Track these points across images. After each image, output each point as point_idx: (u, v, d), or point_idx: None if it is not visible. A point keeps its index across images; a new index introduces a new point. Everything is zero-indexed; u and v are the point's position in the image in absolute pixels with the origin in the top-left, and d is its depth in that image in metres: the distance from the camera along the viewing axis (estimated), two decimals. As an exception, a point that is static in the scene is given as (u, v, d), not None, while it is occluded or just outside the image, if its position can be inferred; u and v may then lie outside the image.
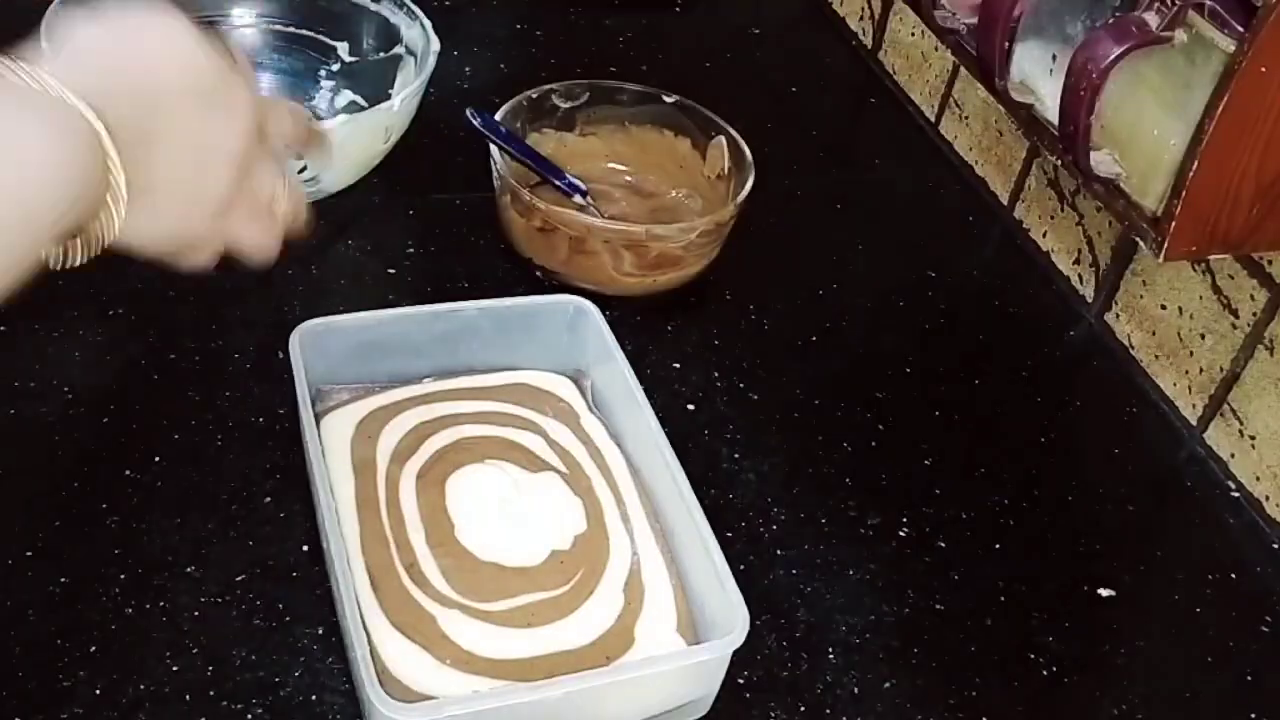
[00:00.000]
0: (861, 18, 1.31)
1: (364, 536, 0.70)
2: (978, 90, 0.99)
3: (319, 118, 1.00)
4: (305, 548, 0.73)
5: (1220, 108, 0.62)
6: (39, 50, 0.51)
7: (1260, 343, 0.86)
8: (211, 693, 0.65)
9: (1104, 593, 0.79)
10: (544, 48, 1.22)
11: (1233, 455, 0.89)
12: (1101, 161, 0.72)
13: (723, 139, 0.99)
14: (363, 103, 1.02)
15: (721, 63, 1.25)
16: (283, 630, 0.69)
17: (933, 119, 1.20)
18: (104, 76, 0.51)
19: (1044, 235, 1.07)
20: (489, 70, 1.17)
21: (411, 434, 0.77)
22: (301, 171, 0.88)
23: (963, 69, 1.10)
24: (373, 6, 1.01)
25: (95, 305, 0.86)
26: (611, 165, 1.04)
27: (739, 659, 0.67)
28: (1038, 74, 0.77)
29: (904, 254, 1.05)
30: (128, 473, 0.76)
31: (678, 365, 0.90)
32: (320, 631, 0.69)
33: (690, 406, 0.87)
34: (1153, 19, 0.66)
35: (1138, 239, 0.71)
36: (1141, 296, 0.96)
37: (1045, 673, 0.74)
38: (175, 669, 0.66)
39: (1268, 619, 0.79)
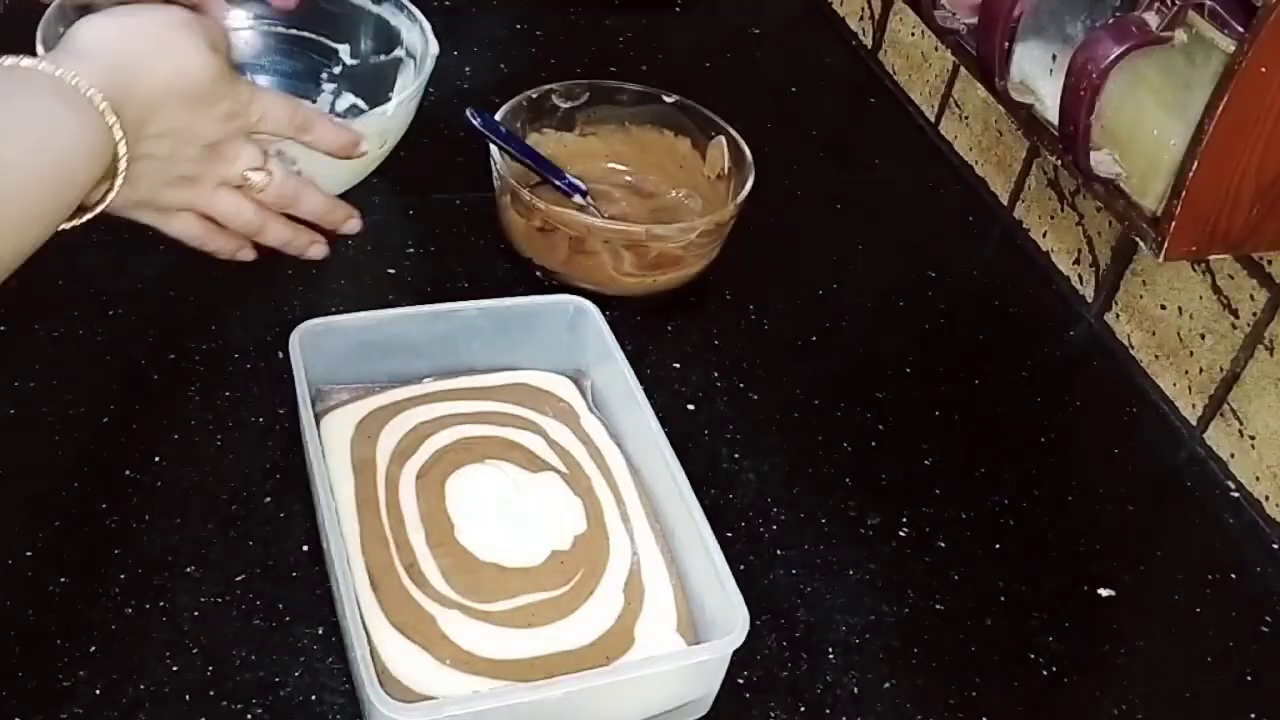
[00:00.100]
0: (861, 18, 1.31)
1: (364, 536, 0.70)
2: (978, 90, 0.99)
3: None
4: (305, 548, 0.73)
5: (1220, 108, 0.62)
6: (65, 50, 0.63)
7: (1260, 343, 0.86)
8: (211, 693, 0.65)
9: (1104, 593, 0.79)
10: (544, 48, 1.22)
11: (1233, 455, 0.89)
12: (1101, 161, 0.72)
13: (723, 139, 0.99)
14: (363, 105, 1.02)
15: (721, 63, 1.25)
16: (283, 630, 0.69)
17: (933, 119, 1.20)
18: (117, 75, 0.62)
19: (1044, 235, 1.07)
20: (489, 70, 1.17)
21: (411, 434, 0.77)
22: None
23: (963, 69, 1.10)
24: (373, 9, 1.01)
25: (95, 305, 0.86)
26: (611, 165, 1.04)
27: (739, 659, 0.67)
28: (1038, 74, 0.77)
29: (904, 254, 1.05)
30: (128, 473, 0.76)
31: (678, 365, 0.90)
32: (320, 631, 0.69)
33: (690, 406, 0.87)
34: (1153, 19, 0.66)
35: (1138, 239, 0.71)
36: (1141, 296, 0.96)
37: (1045, 673, 0.74)
38: (175, 669, 0.66)
39: (1268, 619, 0.79)
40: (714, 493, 0.80)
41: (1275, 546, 0.85)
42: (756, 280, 0.99)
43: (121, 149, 0.63)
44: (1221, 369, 0.89)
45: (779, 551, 0.78)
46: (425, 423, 0.78)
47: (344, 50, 1.03)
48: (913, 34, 1.22)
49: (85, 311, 0.85)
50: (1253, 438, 0.87)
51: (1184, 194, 0.66)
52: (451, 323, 0.81)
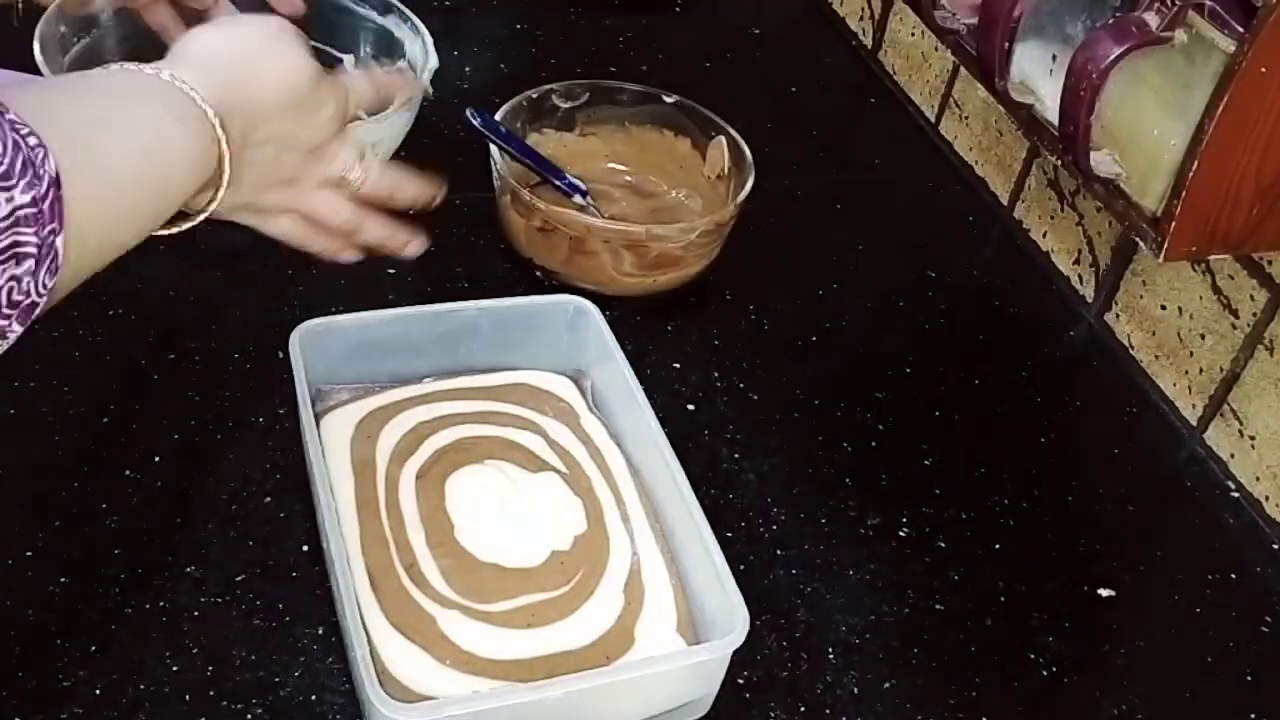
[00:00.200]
0: (861, 18, 1.31)
1: (364, 537, 0.70)
2: (978, 90, 0.99)
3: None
4: (305, 548, 0.73)
5: (1220, 108, 0.62)
6: (176, 60, 0.64)
7: (1260, 343, 0.86)
8: (211, 693, 0.65)
9: (1104, 593, 0.79)
10: (544, 48, 1.22)
11: (1233, 455, 0.89)
12: (1101, 161, 0.72)
13: (723, 139, 0.99)
14: (363, 115, 1.01)
15: (721, 63, 1.25)
16: (283, 630, 0.69)
17: (933, 119, 1.20)
18: (227, 86, 0.63)
19: (1044, 235, 1.07)
20: (489, 70, 1.17)
21: (411, 434, 0.77)
22: None
23: (963, 69, 1.10)
24: (378, 20, 1.01)
25: (95, 305, 0.86)
26: (611, 165, 1.04)
27: (739, 659, 0.67)
28: (1038, 74, 0.77)
29: (904, 254, 1.05)
30: (128, 473, 0.76)
31: (678, 365, 0.90)
32: (320, 631, 0.69)
33: (690, 406, 0.87)
34: (1153, 19, 0.66)
35: (1138, 239, 0.71)
36: (1141, 296, 0.96)
37: (1045, 673, 0.74)
38: (175, 669, 0.66)
39: (1268, 619, 0.79)
40: (714, 493, 0.80)
41: (1275, 546, 0.85)
42: (756, 280, 0.99)
43: (226, 160, 0.63)
44: (1221, 369, 0.89)
45: (779, 551, 0.78)
46: (425, 423, 0.78)
47: (348, 60, 1.03)
48: (913, 34, 1.22)
49: (85, 311, 0.85)
50: (1253, 438, 0.87)
51: (1184, 194, 0.66)
52: (451, 323, 0.81)
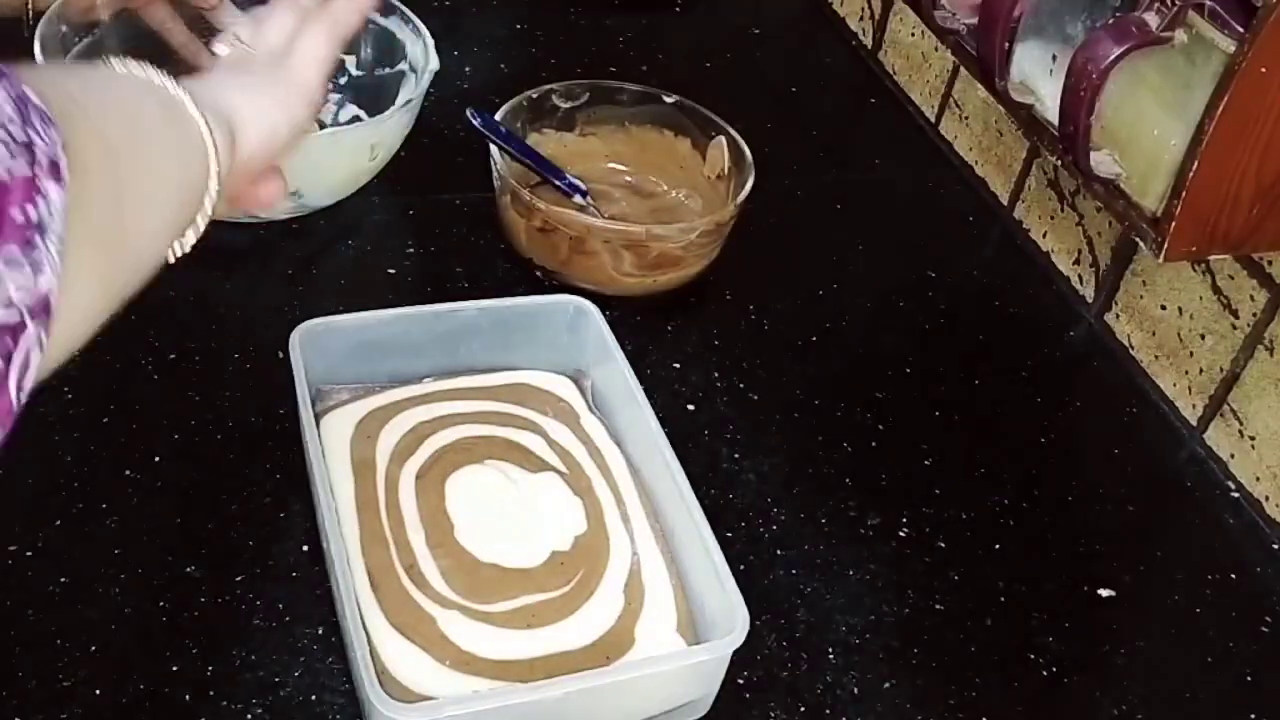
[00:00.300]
0: (861, 18, 1.31)
1: (364, 537, 0.70)
2: (978, 90, 0.99)
3: (321, 126, 0.99)
4: (305, 548, 0.73)
5: (1220, 108, 0.62)
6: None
7: (1260, 343, 0.86)
8: (211, 693, 0.66)
9: (1104, 593, 0.79)
10: (544, 48, 1.22)
11: (1233, 456, 0.89)
12: (1101, 162, 0.72)
13: (723, 139, 0.99)
14: (364, 116, 1.02)
15: (721, 63, 1.25)
16: (283, 630, 0.69)
17: (933, 119, 1.20)
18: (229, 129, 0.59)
19: (1044, 235, 1.07)
20: (489, 70, 1.17)
21: (411, 434, 0.77)
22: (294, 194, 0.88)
23: (963, 69, 1.10)
24: (380, 21, 1.01)
25: (95, 305, 0.85)
26: (611, 165, 1.04)
27: (739, 659, 0.67)
28: (1038, 74, 0.77)
29: (904, 254, 1.05)
30: (128, 473, 0.76)
31: (678, 365, 0.90)
32: (320, 631, 0.69)
33: (690, 406, 0.87)
34: (1153, 19, 0.66)
35: (1138, 239, 0.71)
36: (1141, 297, 0.96)
37: (1045, 673, 0.74)
38: (175, 669, 0.66)
39: (1268, 619, 0.79)
40: (714, 493, 0.80)
41: (1275, 546, 0.85)
42: (756, 280, 0.99)
43: (209, 203, 0.59)
44: (1221, 369, 0.89)
45: (779, 551, 0.78)
46: (425, 423, 0.78)
47: (350, 61, 1.03)
48: (913, 34, 1.22)
49: (85, 311, 0.85)
50: (1253, 438, 0.87)
51: (1184, 194, 0.66)
52: (451, 323, 0.81)
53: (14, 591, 0.68)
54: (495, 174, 0.94)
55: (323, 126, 1.00)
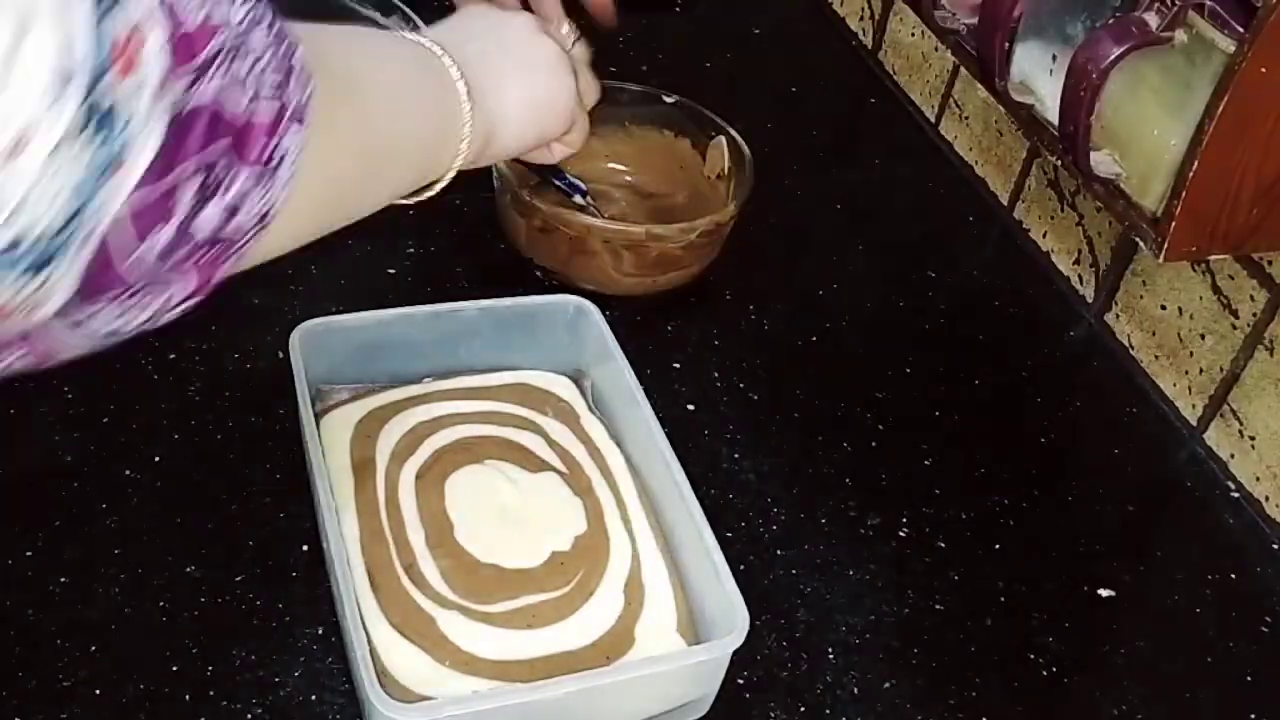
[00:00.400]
0: (861, 18, 1.31)
1: (364, 537, 0.70)
2: (978, 90, 0.99)
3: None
4: (305, 548, 0.73)
5: (1220, 108, 0.62)
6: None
7: (1260, 343, 0.86)
8: (211, 693, 0.65)
9: (1104, 593, 0.79)
10: (544, 48, 1.22)
11: (1233, 456, 0.89)
12: (1101, 162, 0.72)
13: (723, 139, 0.99)
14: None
15: (721, 63, 1.25)
16: (283, 630, 0.69)
17: (933, 119, 1.20)
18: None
19: (1044, 235, 1.07)
20: (489, 70, 1.17)
21: (411, 434, 0.77)
22: None
23: (963, 69, 1.10)
24: (381, 20, 1.01)
25: (95, 305, 0.85)
26: (611, 165, 1.04)
27: (739, 659, 0.67)
28: (1038, 74, 0.77)
29: (904, 254, 1.05)
30: (128, 473, 0.76)
31: (678, 365, 0.90)
32: (320, 631, 0.69)
33: (690, 406, 0.87)
34: (1153, 19, 0.66)
35: (1138, 239, 0.71)
36: (1141, 297, 0.96)
37: (1045, 673, 0.74)
38: (175, 669, 0.66)
39: (1268, 619, 0.79)
40: (714, 493, 0.80)
41: (1275, 546, 0.85)
42: (756, 280, 0.99)
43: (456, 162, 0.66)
44: (1221, 369, 0.89)
45: (779, 551, 0.78)
46: (424, 423, 0.78)
47: None
48: (913, 34, 1.22)
49: (85, 311, 0.85)
50: (1253, 438, 0.87)
51: (1184, 194, 0.66)
52: (451, 323, 0.81)
53: (14, 591, 0.68)
54: (495, 174, 0.94)
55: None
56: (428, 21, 0.98)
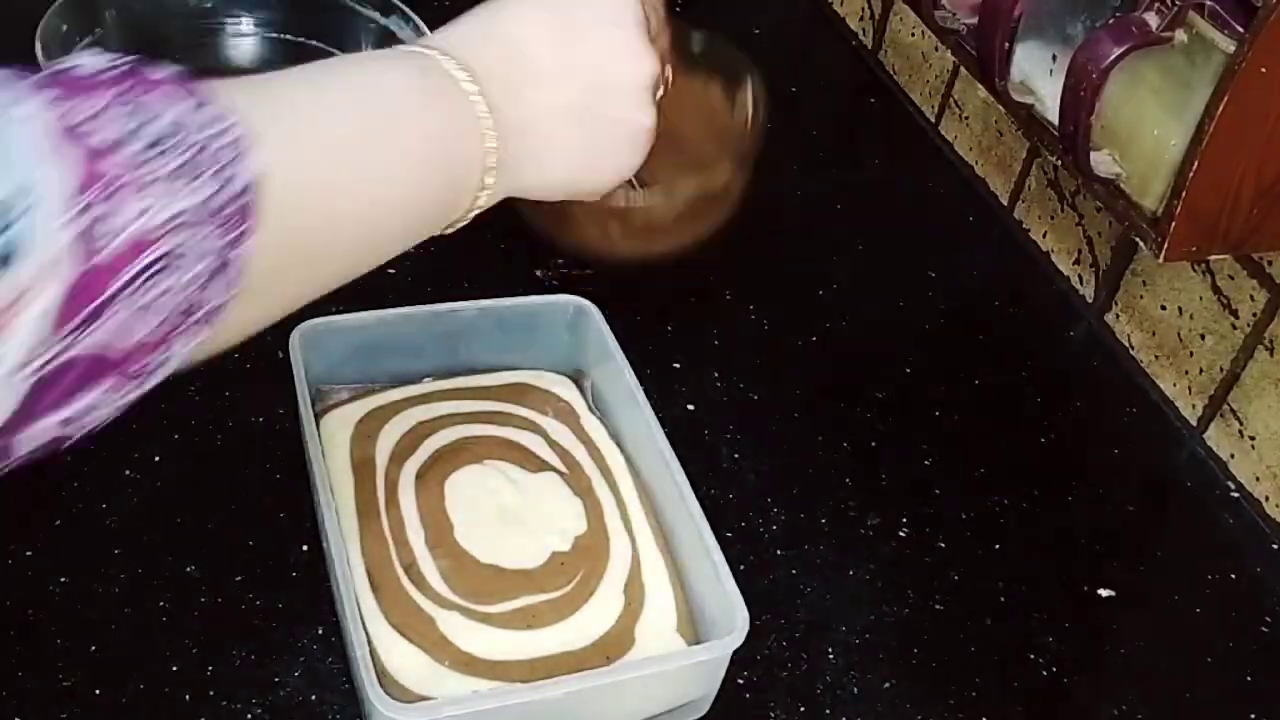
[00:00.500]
0: (861, 18, 1.31)
1: (363, 537, 0.70)
2: (978, 90, 0.99)
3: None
4: (305, 548, 0.73)
5: (1220, 108, 0.62)
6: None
7: (1260, 343, 0.86)
8: (211, 693, 0.65)
9: (1104, 593, 0.79)
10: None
11: (1232, 456, 0.89)
12: (1101, 162, 0.72)
13: (750, 81, 0.84)
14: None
15: (721, 63, 1.25)
16: (283, 630, 0.69)
17: (933, 119, 1.20)
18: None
19: (1044, 235, 1.07)
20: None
21: (411, 434, 0.77)
22: None
23: (963, 69, 1.10)
24: (381, 20, 1.01)
25: (95, 305, 0.85)
26: None
27: (739, 659, 0.67)
28: (1038, 74, 0.77)
29: (904, 254, 1.05)
30: (128, 473, 0.76)
31: (678, 365, 0.90)
32: (320, 631, 0.69)
33: (690, 406, 0.87)
34: (1153, 19, 0.66)
35: (1138, 239, 0.71)
36: (1141, 297, 0.96)
37: (1045, 673, 0.74)
38: (175, 669, 0.66)
39: (1268, 619, 0.79)
40: (714, 493, 0.80)
41: (1275, 546, 0.85)
42: (756, 280, 0.99)
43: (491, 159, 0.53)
44: (1221, 369, 0.89)
45: (779, 551, 0.78)
46: (425, 423, 0.78)
47: None
48: (913, 34, 1.22)
49: (85, 311, 0.85)
50: (1253, 438, 0.87)
51: (1184, 194, 0.66)
52: (451, 323, 0.81)
53: (14, 591, 0.68)
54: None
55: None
56: (426, 20, 0.99)
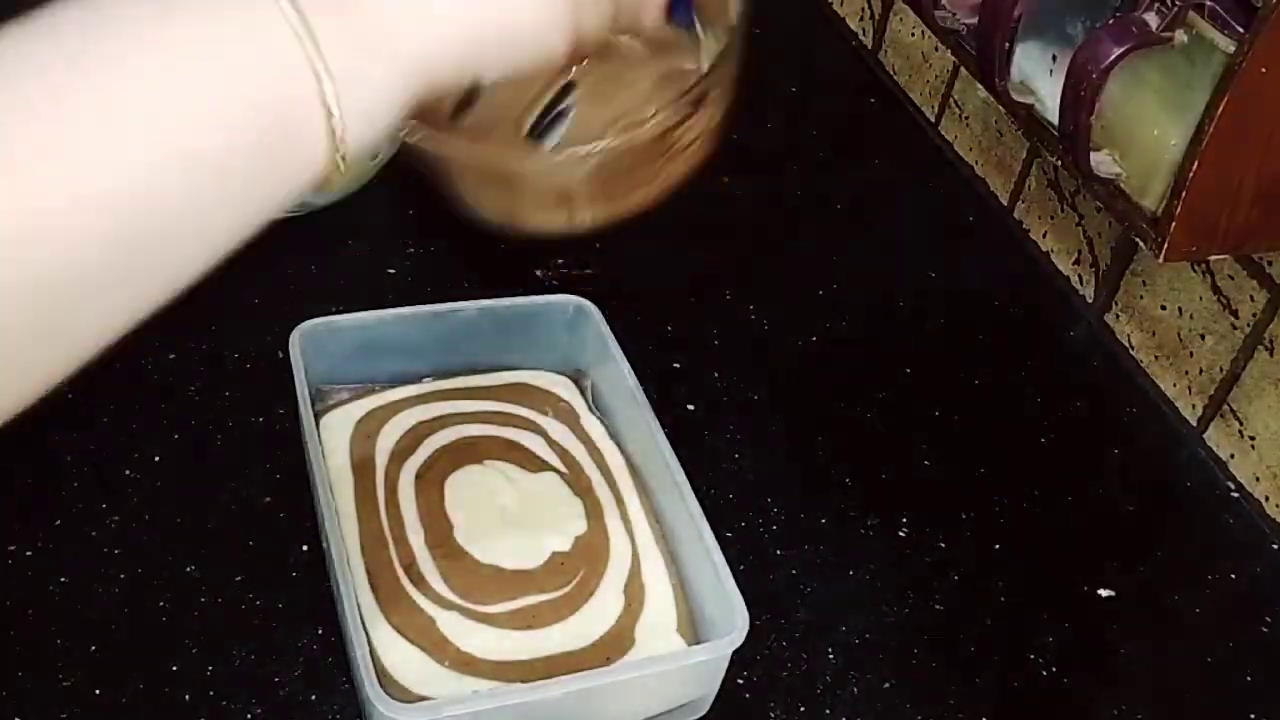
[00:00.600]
0: (861, 18, 1.31)
1: (363, 537, 0.70)
2: (978, 90, 0.99)
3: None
4: (305, 548, 0.73)
5: (1220, 108, 0.62)
6: None
7: (1260, 343, 0.86)
8: (211, 693, 0.66)
9: (1104, 593, 0.79)
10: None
11: (1233, 456, 0.89)
12: (1101, 162, 0.72)
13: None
14: None
15: (721, 63, 1.25)
16: (283, 630, 0.69)
17: (933, 119, 1.20)
18: None
19: (1044, 235, 1.07)
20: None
21: (411, 434, 0.77)
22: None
23: (963, 69, 1.10)
24: None
25: (95, 305, 0.85)
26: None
27: (739, 659, 0.67)
28: (1038, 74, 0.77)
29: (904, 254, 1.05)
30: (128, 473, 0.76)
31: (678, 365, 0.90)
32: (320, 631, 0.69)
33: (690, 406, 0.87)
34: (1153, 19, 0.66)
35: (1138, 239, 0.71)
36: (1141, 297, 0.96)
37: (1045, 673, 0.74)
38: (175, 669, 0.66)
39: (1268, 619, 0.79)
40: (714, 493, 0.80)
41: (1275, 546, 0.85)
42: (756, 280, 0.99)
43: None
44: (1221, 369, 0.89)
45: (779, 551, 0.78)
46: (425, 422, 0.78)
47: None
48: (913, 34, 1.22)
49: (85, 311, 0.85)
50: (1253, 438, 0.87)
51: (1184, 194, 0.66)
52: (451, 323, 0.81)
53: (14, 591, 0.68)
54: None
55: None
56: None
